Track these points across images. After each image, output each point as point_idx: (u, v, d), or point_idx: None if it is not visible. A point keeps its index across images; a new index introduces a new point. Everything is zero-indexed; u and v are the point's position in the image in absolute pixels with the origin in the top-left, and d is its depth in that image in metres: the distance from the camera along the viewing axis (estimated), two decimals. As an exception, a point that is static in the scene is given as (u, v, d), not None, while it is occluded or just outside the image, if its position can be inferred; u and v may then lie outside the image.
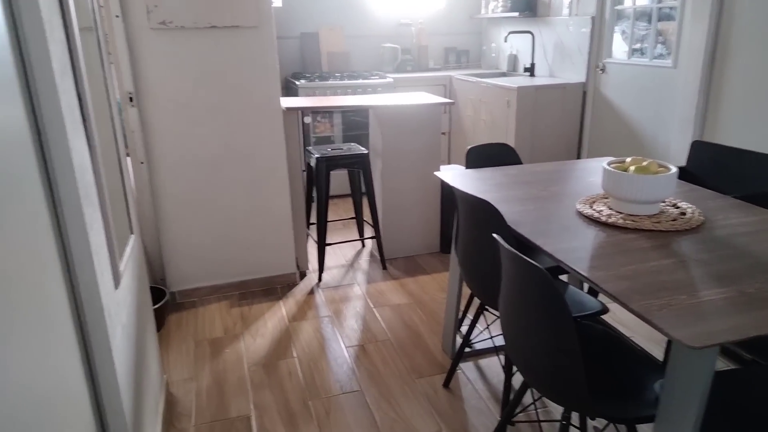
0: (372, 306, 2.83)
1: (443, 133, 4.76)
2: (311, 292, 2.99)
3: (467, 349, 2.41)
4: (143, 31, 2.41)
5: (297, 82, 4.22)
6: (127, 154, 2.55)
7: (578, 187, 2.03)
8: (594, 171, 2.24)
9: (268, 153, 2.82)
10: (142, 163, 2.58)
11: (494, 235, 1.38)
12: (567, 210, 1.79)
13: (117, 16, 2.30)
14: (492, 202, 1.67)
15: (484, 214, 1.65)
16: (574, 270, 1.36)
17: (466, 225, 1.82)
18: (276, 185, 2.89)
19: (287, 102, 3.09)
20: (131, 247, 1.69)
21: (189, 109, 2.60)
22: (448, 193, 3.35)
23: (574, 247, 1.50)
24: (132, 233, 1.75)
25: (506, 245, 1.32)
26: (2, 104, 0.94)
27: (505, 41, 4.46)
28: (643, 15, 3.53)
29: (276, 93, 2.74)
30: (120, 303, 1.46)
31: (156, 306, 2.53)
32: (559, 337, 1.28)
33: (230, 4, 2.48)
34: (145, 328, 1.82)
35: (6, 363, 0.84)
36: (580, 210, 1.76)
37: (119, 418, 1.37)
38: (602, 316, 2.29)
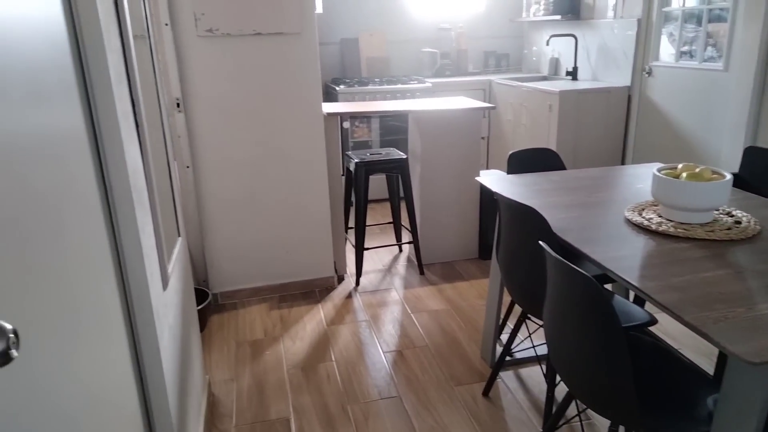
0: (409, 311, 2.82)
1: (482, 138, 4.72)
2: (349, 296, 3.00)
3: (507, 358, 2.37)
4: (191, 39, 2.47)
5: (337, 88, 4.26)
6: (174, 158, 2.62)
7: (626, 193, 1.98)
8: (642, 177, 2.18)
9: (308, 157, 2.85)
10: (188, 167, 2.64)
11: (540, 242, 1.36)
12: (615, 217, 1.74)
13: (166, 24, 2.37)
14: (536, 208, 1.64)
15: (528, 221, 1.62)
16: (625, 280, 1.32)
17: (509, 232, 1.79)
18: (316, 189, 2.91)
19: (328, 107, 3.11)
20: (178, 250, 1.73)
21: (233, 114, 2.66)
22: (487, 198, 3.31)
23: (624, 256, 1.46)
24: (179, 236, 1.79)
25: (553, 253, 1.29)
26: (63, 110, 0.98)
27: (547, 44, 4.40)
28: (692, 17, 3.42)
29: (317, 98, 2.77)
30: (168, 304, 1.50)
31: (199, 307, 2.58)
32: (607, 347, 1.25)
33: (274, 11, 2.52)
34: (189, 329, 1.86)
35: (62, 359, 0.86)
36: (629, 218, 1.71)
37: (165, 417, 1.40)
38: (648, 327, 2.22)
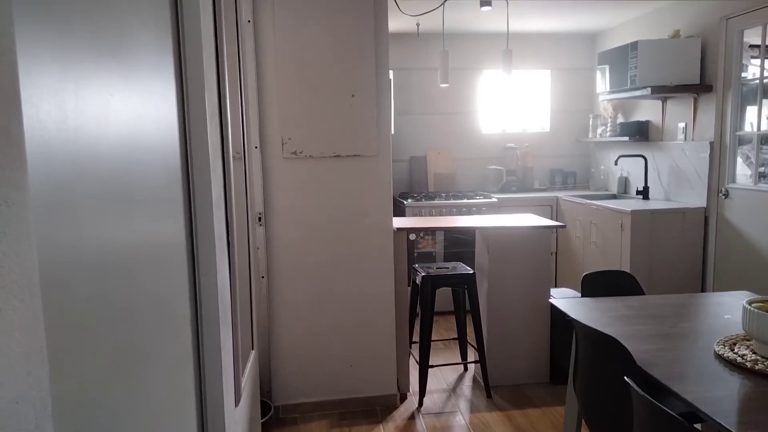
0: (476, 438, 2.65)
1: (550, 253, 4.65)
2: (411, 417, 2.88)
3: (586, 501, 2.15)
4: (277, 160, 2.68)
5: (404, 202, 4.40)
6: (255, 271, 2.73)
7: (713, 324, 1.87)
8: (729, 307, 2.06)
9: (377, 270, 2.89)
10: (262, 277, 2.74)
11: (626, 379, 1.28)
12: (703, 351, 1.63)
13: (256, 147, 2.59)
14: (616, 337, 1.57)
15: (610, 352, 1.55)
16: (724, 427, 1.21)
17: (589, 361, 1.71)
18: (382, 303, 2.92)
19: (399, 222, 3.21)
20: (251, 364, 1.76)
21: (309, 228, 2.79)
22: (559, 318, 3.20)
23: (718, 398, 1.34)
24: (252, 349, 1.82)
25: (641, 392, 1.22)
26: (170, 229, 1.07)
27: (616, 164, 4.42)
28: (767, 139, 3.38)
29: (388, 214, 2.87)
30: (237, 421, 1.50)
31: (261, 420, 2.55)
32: (709, 506, 1.12)
33: (354, 136, 2.71)
34: (253, 446, 1.83)
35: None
36: (720, 353, 1.60)
37: None
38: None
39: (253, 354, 1.82)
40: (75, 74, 0.68)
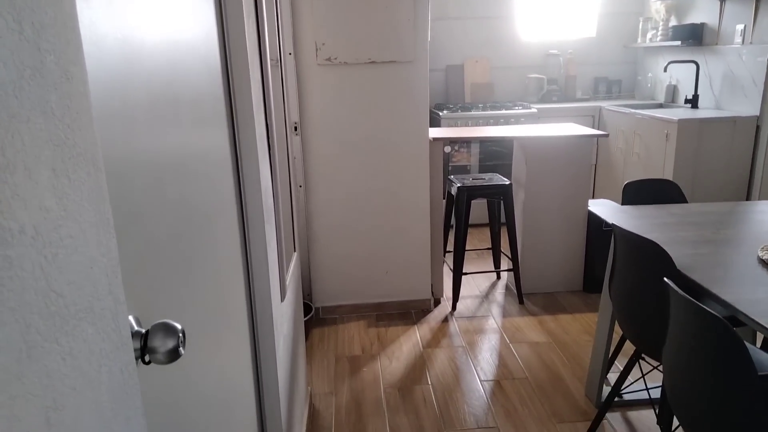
0: (508, 341, 2.75)
1: (588, 167, 4.55)
2: (445, 320, 2.99)
3: (615, 399, 2.24)
4: (311, 67, 2.63)
5: (440, 113, 4.31)
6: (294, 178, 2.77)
7: (757, 232, 1.83)
8: (776, 215, 2.00)
9: (413, 180, 2.90)
10: (300, 186, 2.79)
11: (666, 279, 1.29)
12: (745, 257, 1.61)
13: (290, 54, 2.54)
14: (657, 242, 1.56)
15: (649, 256, 1.55)
16: (762, 326, 1.22)
17: (627, 266, 1.71)
18: (418, 212, 2.96)
19: (435, 132, 3.16)
20: (294, 264, 1.83)
21: (345, 138, 2.78)
22: (595, 229, 3.18)
23: (759, 299, 1.34)
24: (294, 251, 1.89)
25: (680, 292, 1.22)
26: (215, 132, 1.08)
27: (665, 71, 4.18)
28: (838, 41, 3.12)
29: (425, 123, 2.83)
30: (284, 315, 1.58)
31: (304, 319, 2.69)
32: (740, 397, 1.15)
33: (389, 41, 2.62)
34: (297, 341, 1.94)
35: (207, 357, 0.95)
36: (763, 258, 1.58)
37: (276, 422, 1.47)
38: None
39: (295, 255, 1.90)
40: (115, -43, 0.67)
